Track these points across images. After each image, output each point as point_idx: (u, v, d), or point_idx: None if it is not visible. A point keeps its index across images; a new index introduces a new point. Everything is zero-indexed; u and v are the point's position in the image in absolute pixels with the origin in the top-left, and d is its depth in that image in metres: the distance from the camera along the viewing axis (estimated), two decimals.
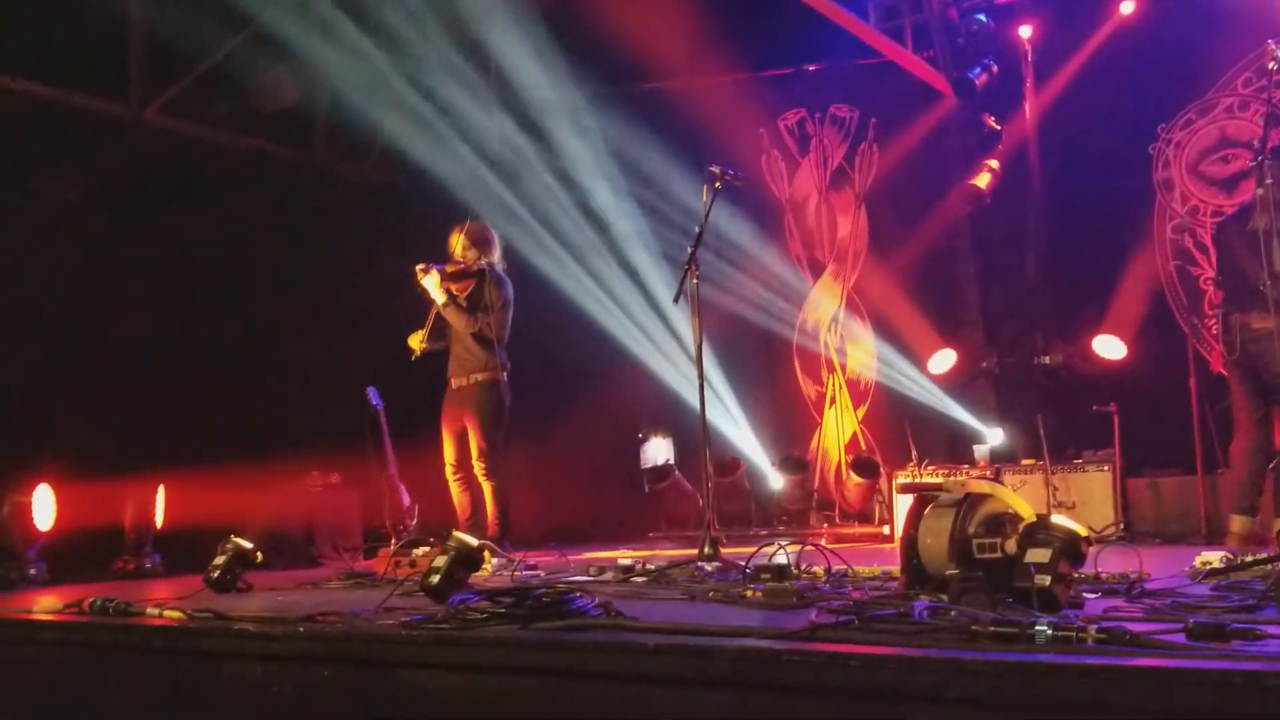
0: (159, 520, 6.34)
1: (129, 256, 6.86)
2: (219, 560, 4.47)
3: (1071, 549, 2.66)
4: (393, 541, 5.36)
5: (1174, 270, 8.06)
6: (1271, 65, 4.10)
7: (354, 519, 7.16)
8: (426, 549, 4.88)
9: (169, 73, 7.12)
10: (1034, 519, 2.84)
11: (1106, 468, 6.55)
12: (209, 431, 6.84)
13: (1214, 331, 7.85)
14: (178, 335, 6.97)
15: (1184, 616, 2.32)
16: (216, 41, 7.16)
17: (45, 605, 4.11)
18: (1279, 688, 1.65)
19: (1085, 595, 2.89)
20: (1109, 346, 7.49)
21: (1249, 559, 3.35)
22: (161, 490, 6.39)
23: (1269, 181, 3.83)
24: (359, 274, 7.69)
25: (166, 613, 3.41)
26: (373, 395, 6.80)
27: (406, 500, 6.74)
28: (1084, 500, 6.51)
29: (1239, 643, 1.99)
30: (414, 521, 6.65)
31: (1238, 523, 5.11)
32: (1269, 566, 3.17)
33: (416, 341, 5.93)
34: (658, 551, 6.28)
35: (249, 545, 4.54)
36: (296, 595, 4.25)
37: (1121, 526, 6.33)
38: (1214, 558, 3.56)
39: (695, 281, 4.89)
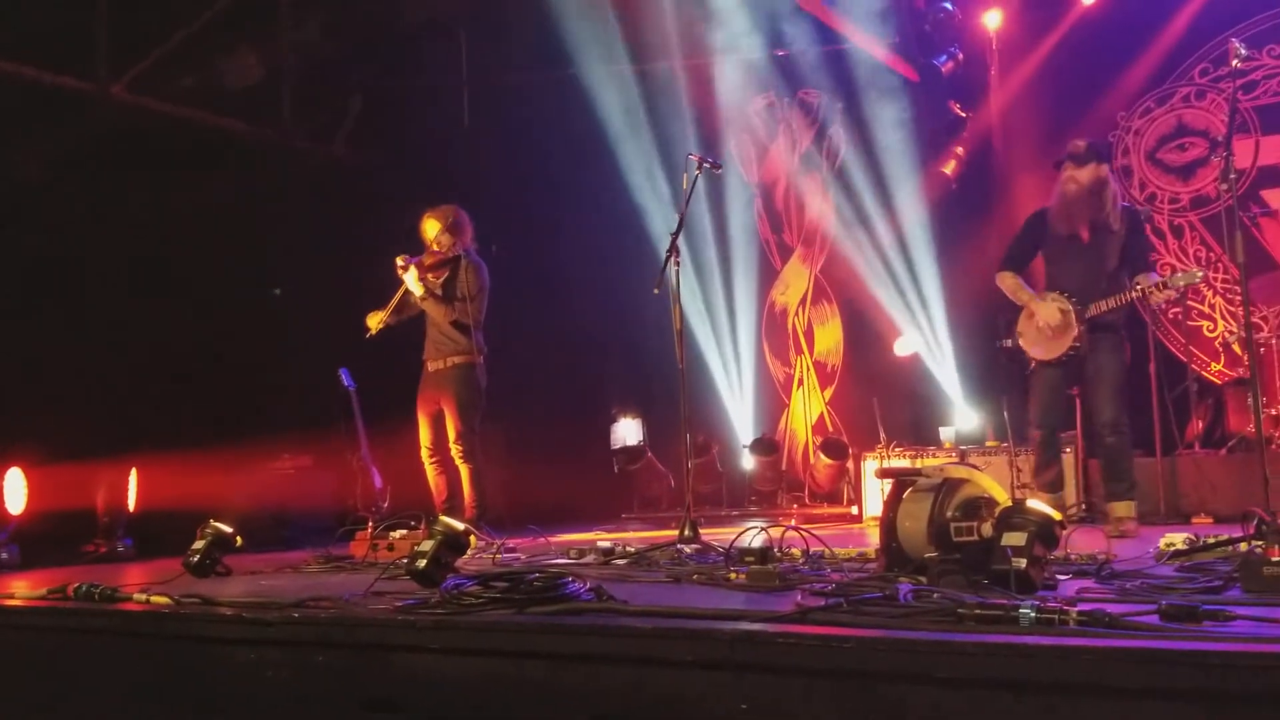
0: (131, 503, 6.31)
1: (96, 234, 6.78)
2: (198, 544, 4.43)
3: (1046, 532, 2.75)
4: (370, 525, 5.38)
5: None
6: (1235, 62, 4.22)
7: (326, 502, 7.16)
8: (404, 532, 4.92)
9: (136, 48, 7.03)
10: (1009, 503, 2.94)
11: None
12: (181, 414, 6.80)
13: (1171, 317, 8.07)
14: (148, 316, 6.90)
15: (1156, 598, 2.42)
16: (183, 17, 7.08)
17: (22, 590, 4.09)
18: (1251, 667, 1.75)
19: (1058, 577, 2.99)
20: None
21: (1212, 541, 3.48)
22: (134, 473, 6.35)
23: (1232, 177, 3.95)
24: (331, 253, 7.66)
25: (153, 598, 3.42)
26: (345, 377, 6.79)
27: (379, 483, 6.75)
28: None
29: (1210, 624, 2.09)
30: (386, 504, 6.67)
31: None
32: (1232, 548, 3.30)
33: (375, 321, 5.95)
34: (632, 533, 6.34)
35: (228, 529, 4.53)
36: (278, 579, 4.27)
37: (1084, 507, 6.49)
38: (1178, 539, 3.69)
39: (677, 267, 4.93)
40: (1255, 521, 3.18)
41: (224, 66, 7.61)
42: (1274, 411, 6.44)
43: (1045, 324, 5.27)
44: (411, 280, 5.82)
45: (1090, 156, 5.16)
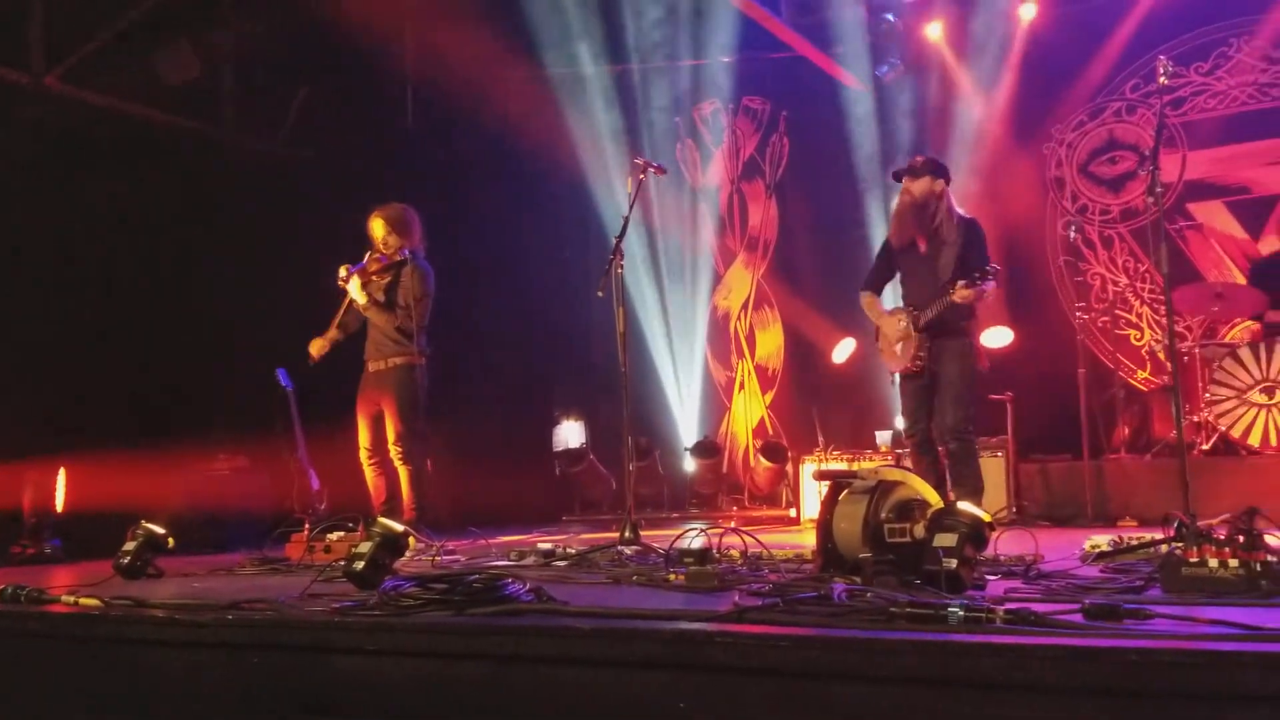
0: (59, 504, 6.17)
1: (27, 228, 6.61)
2: (129, 545, 4.35)
3: (976, 534, 2.82)
4: (306, 527, 5.32)
5: (1064, 265, 8.46)
6: (1162, 79, 4.35)
7: (262, 504, 7.06)
8: (341, 534, 4.88)
9: (72, 39, 6.88)
10: (941, 505, 3.01)
11: (1000, 454, 6.85)
12: (112, 413, 6.65)
13: (1100, 325, 8.28)
14: (79, 311, 6.75)
15: (1080, 597, 2.50)
16: (121, 8, 6.95)
17: None
18: (1169, 664, 1.82)
19: (987, 577, 3.07)
20: (997, 336, 7.83)
21: (1135, 543, 3.59)
22: (62, 473, 6.21)
23: (1159, 190, 4.07)
24: (270, 251, 7.56)
25: (82, 600, 3.35)
26: (282, 377, 6.70)
27: (316, 484, 6.68)
28: None
29: (1131, 622, 2.16)
30: (324, 506, 6.60)
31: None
32: (1153, 550, 3.41)
33: (317, 348, 5.93)
34: (573, 536, 6.35)
35: (160, 530, 4.46)
36: (212, 581, 4.21)
37: (1014, 510, 6.64)
38: (1103, 541, 3.80)
39: (620, 272, 4.95)
40: (1176, 524, 3.29)
41: (162, 60, 7.48)
42: (1195, 418, 6.64)
43: (892, 337, 5.42)
44: (355, 290, 5.79)
45: (925, 171, 5.29)
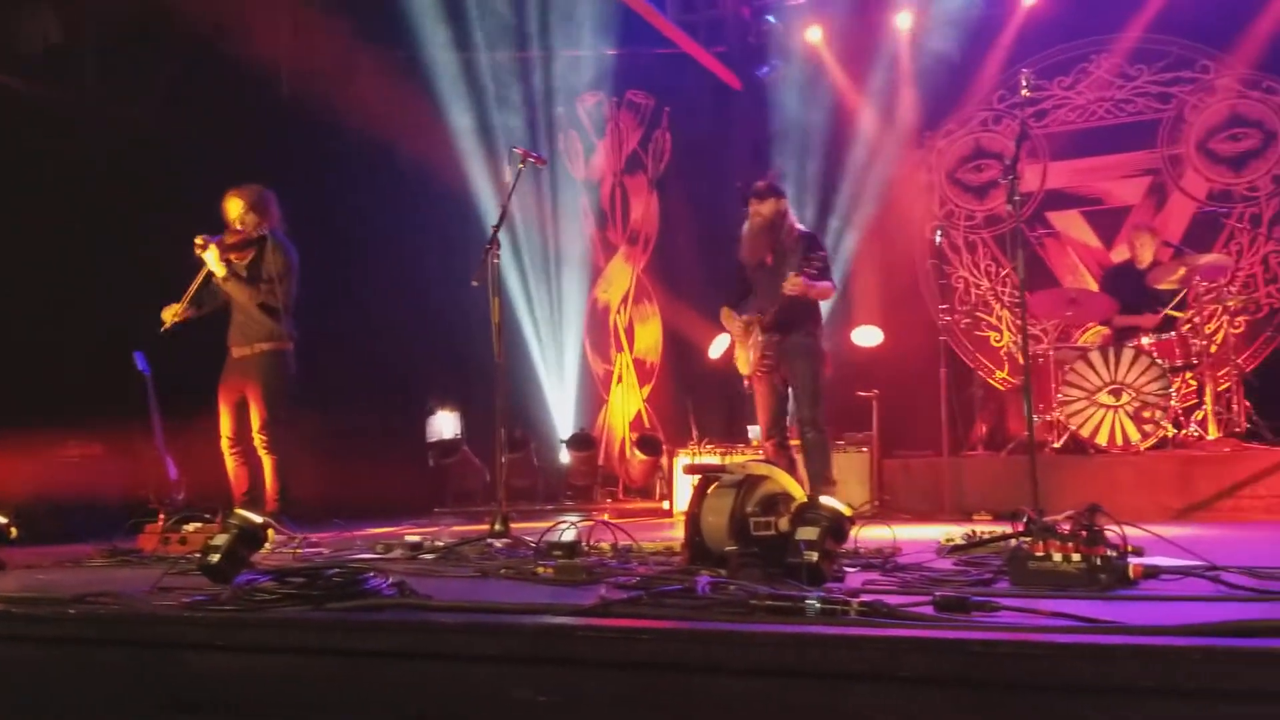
0: None
1: None
2: None
3: (837, 527, 2.89)
4: (161, 517, 5.12)
5: (930, 268, 8.75)
6: (1024, 91, 4.53)
7: (115, 493, 6.76)
8: (198, 525, 4.72)
9: None
10: (805, 499, 3.07)
11: (865, 449, 7.05)
12: None
13: (962, 327, 8.60)
14: None
15: (932, 590, 2.58)
16: None
17: None
18: (1012, 654, 1.89)
19: (846, 569, 3.14)
20: (866, 335, 8.06)
21: (986, 537, 3.73)
22: None
23: (1017, 199, 4.24)
24: (132, 227, 7.21)
25: None
26: (140, 361, 6.44)
27: (174, 473, 6.44)
28: (844, 479, 6.95)
29: (979, 614, 2.24)
30: (181, 496, 6.38)
31: None
32: (1003, 544, 3.55)
33: (170, 315, 5.68)
34: (444, 528, 6.27)
35: (2, 520, 4.24)
36: (58, 574, 4.01)
37: (876, 504, 6.84)
38: (957, 534, 3.94)
39: (496, 261, 4.91)
40: (1024, 519, 3.43)
41: (21, 24, 7.08)
42: (1048, 417, 6.95)
43: (743, 344, 5.71)
44: (212, 260, 5.57)
45: (770, 193, 5.74)
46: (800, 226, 5.79)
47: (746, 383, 5.80)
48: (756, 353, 5.60)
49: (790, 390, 5.66)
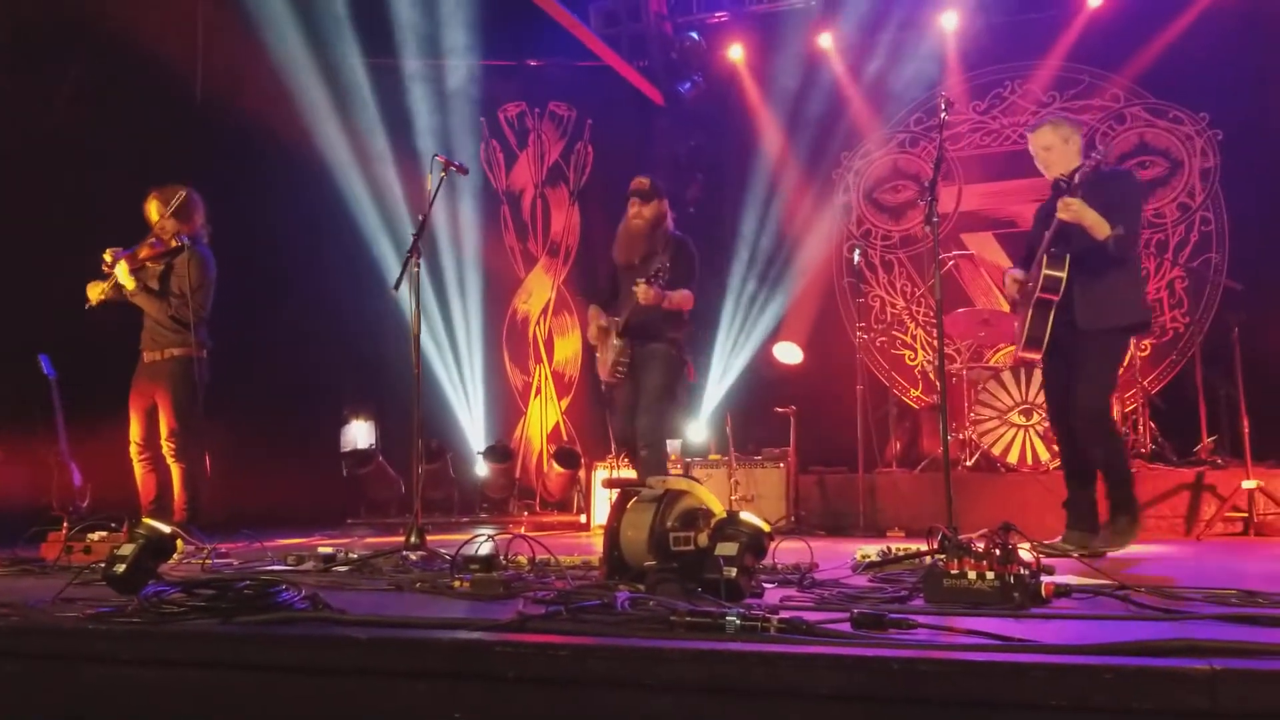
0: None
1: None
2: None
3: (756, 543, 2.91)
4: (65, 525, 4.93)
5: (847, 286, 8.89)
6: (943, 115, 4.64)
7: (16, 499, 6.50)
8: (104, 534, 4.57)
9: None
10: (724, 515, 3.09)
11: (782, 465, 7.12)
12: None
13: (878, 345, 8.76)
14: None
15: (849, 606, 2.61)
16: None
17: None
18: (929, 672, 1.92)
19: (764, 585, 3.16)
20: (786, 352, 8.16)
21: (902, 554, 3.79)
22: None
23: (935, 220, 4.33)
24: (36, 228, 6.95)
25: None
26: (45, 364, 6.22)
27: (78, 480, 6.22)
28: (762, 494, 7.03)
29: (895, 631, 2.27)
30: (86, 503, 6.17)
31: None
32: (918, 561, 3.61)
33: (96, 292, 5.52)
34: (358, 539, 6.16)
35: None
36: None
37: (793, 519, 6.91)
38: (873, 551, 4.00)
39: (417, 270, 4.84)
40: (939, 536, 3.50)
41: None
42: (961, 435, 7.11)
43: (600, 346, 5.52)
44: (123, 275, 5.42)
45: (654, 194, 5.45)
46: (674, 231, 5.50)
47: (604, 387, 5.56)
48: (613, 357, 5.37)
49: (638, 400, 5.34)
